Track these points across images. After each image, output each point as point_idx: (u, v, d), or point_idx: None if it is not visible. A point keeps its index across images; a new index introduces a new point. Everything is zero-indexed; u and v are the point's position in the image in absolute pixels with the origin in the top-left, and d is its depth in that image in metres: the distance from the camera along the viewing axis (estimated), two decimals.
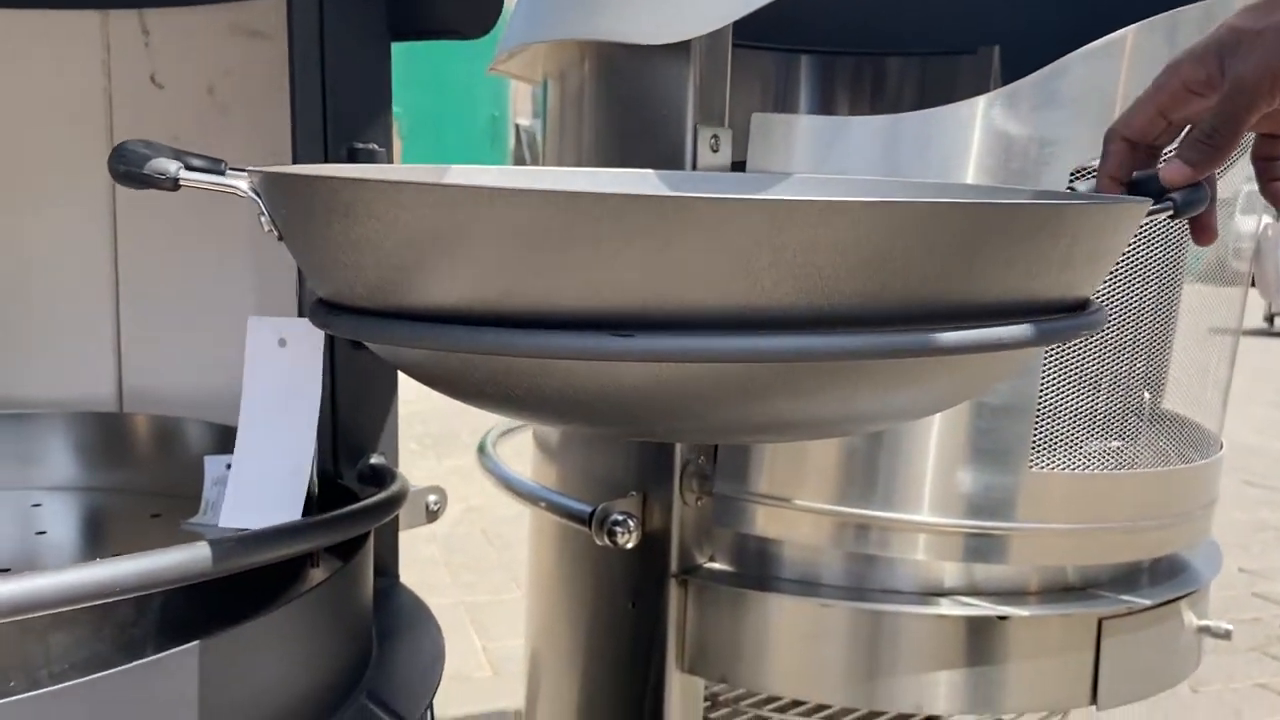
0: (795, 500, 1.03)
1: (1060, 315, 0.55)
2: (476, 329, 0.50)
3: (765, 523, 1.04)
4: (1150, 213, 0.65)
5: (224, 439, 1.02)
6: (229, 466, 0.99)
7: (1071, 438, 1.00)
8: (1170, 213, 0.67)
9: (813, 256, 0.47)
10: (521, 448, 1.35)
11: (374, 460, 0.99)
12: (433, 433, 4.20)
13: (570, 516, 1.07)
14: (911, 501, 1.01)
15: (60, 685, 0.56)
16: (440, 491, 1.08)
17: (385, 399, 0.99)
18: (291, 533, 0.69)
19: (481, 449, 1.29)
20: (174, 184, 0.61)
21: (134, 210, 1.10)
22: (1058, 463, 0.99)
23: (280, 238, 0.62)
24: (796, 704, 1.21)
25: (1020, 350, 0.55)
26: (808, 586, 1.08)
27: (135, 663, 0.59)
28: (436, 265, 0.51)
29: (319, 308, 0.62)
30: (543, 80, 1.31)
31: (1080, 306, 0.59)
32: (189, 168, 0.62)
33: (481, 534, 3.09)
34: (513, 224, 0.48)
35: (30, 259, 1.10)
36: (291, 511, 0.77)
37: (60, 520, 1.00)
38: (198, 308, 1.11)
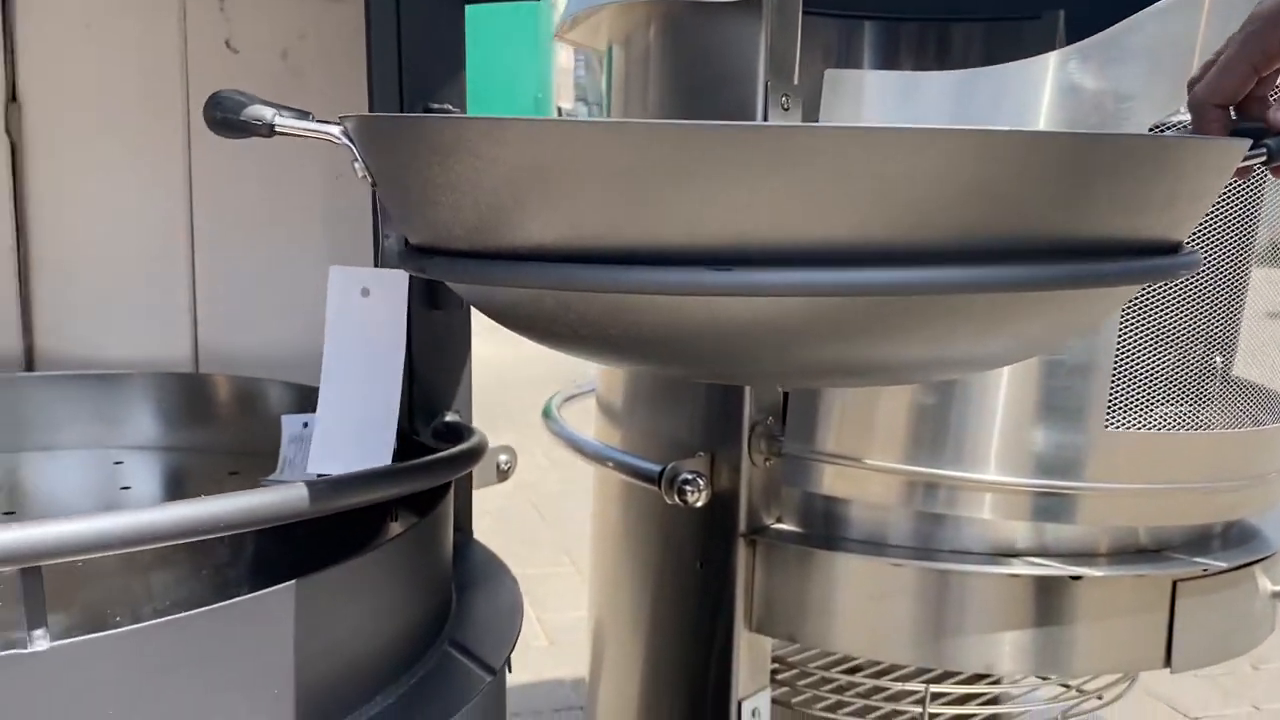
0: (864, 459, 1.03)
1: (1159, 256, 0.55)
2: (576, 266, 0.51)
3: (834, 482, 1.04)
4: (1246, 158, 0.64)
5: (300, 398, 1.04)
6: (305, 425, 1.01)
7: (1147, 398, 0.99)
8: (1263, 159, 0.66)
9: (913, 188, 0.47)
10: (584, 413, 1.36)
11: (449, 418, 1.01)
12: (481, 406, 4.23)
13: (639, 476, 1.08)
14: (981, 460, 1.01)
15: (170, 617, 0.58)
16: (511, 451, 1.09)
17: (459, 358, 1.01)
18: (385, 476, 0.70)
19: (547, 413, 1.30)
20: (270, 130, 0.62)
21: (208, 173, 1.12)
22: (1133, 422, 0.98)
23: (373, 184, 0.63)
24: (862, 666, 1.21)
25: (1117, 290, 0.55)
26: (875, 546, 1.08)
27: (238, 599, 0.61)
28: (535, 204, 0.51)
29: (412, 253, 0.63)
30: (606, 48, 1.31)
31: (1174, 250, 0.59)
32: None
33: (533, 508, 3.11)
34: (615, 159, 0.48)
35: (107, 222, 1.12)
36: (380, 460, 0.78)
37: (142, 477, 1.03)
38: (271, 269, 1.13)
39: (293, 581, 0.63)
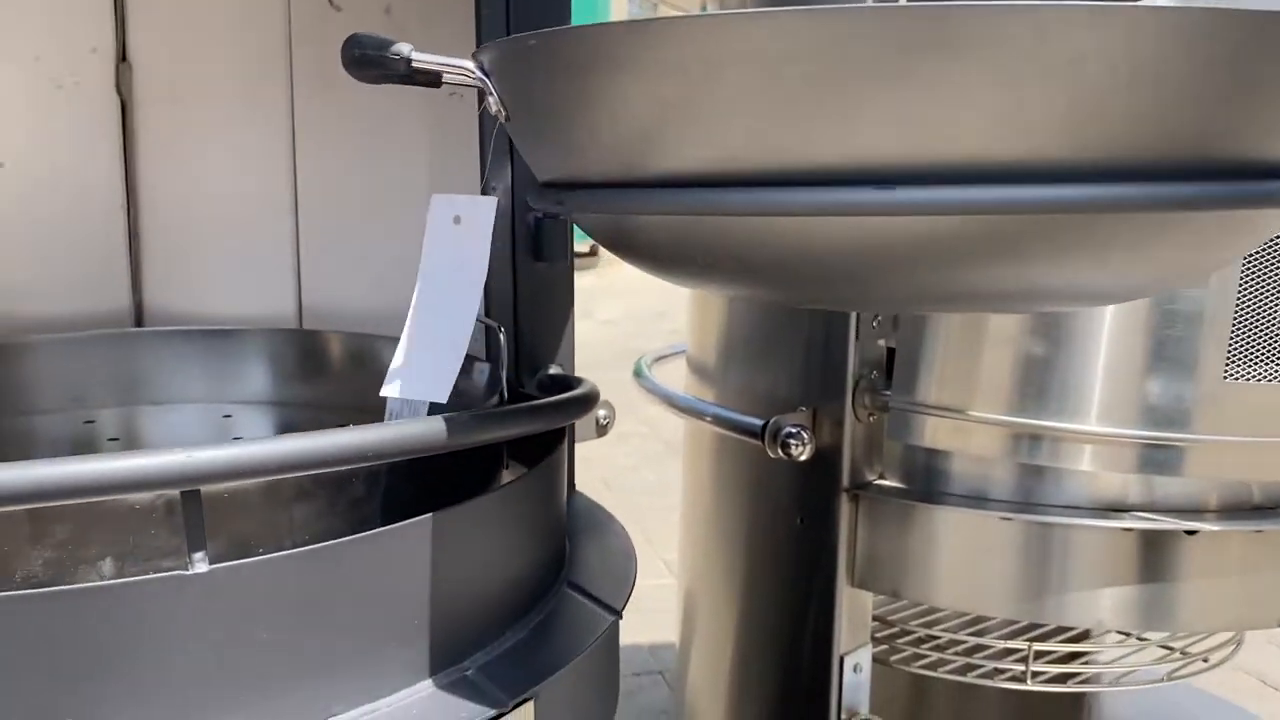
0: (968, 411, 1.02)
1: None
2: (736, 191, 0.51)
3: (937, 434, 1.03)
4: None
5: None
6: None
7: (1270, 349, 0.97)
8: None
9: (1083, 71, 0.45)
10: (672, 373, 1.36)
11: (552, 371, 1.01)
12: None
13: (740, 431, 1.08)
14: (1088, 411, 0.99)
15: (321, 544, 0.59)
16: (610, 407, 1.09)
17: (562, 311, 1.01)
18: (519, 414, 0.71)
19: (638, 373, 1.30)
20: (407, 65, 0.63)
21: (312, 132, 1.13)
22: (1253, 374, 0.96)
23: (507, 118, 0.63)
24: (965, 624, 1.20)
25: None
26: (978, 501, 1.07)
27: (381, 529, 0.62)
28: (689, 120, 0.51)
29: (547, 190, 0.63)
30: None
31: None
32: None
33: (602, 482, 3.13)
34: (775, 55, 0.47)
35: (213, 180, 1.14)
36: (439, 394, 0.77)
37: (251, 431, 1.05)
38: (373, 226, 1.14)
39: (430, 515, 0.64)
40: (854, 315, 1.03)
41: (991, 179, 0.48)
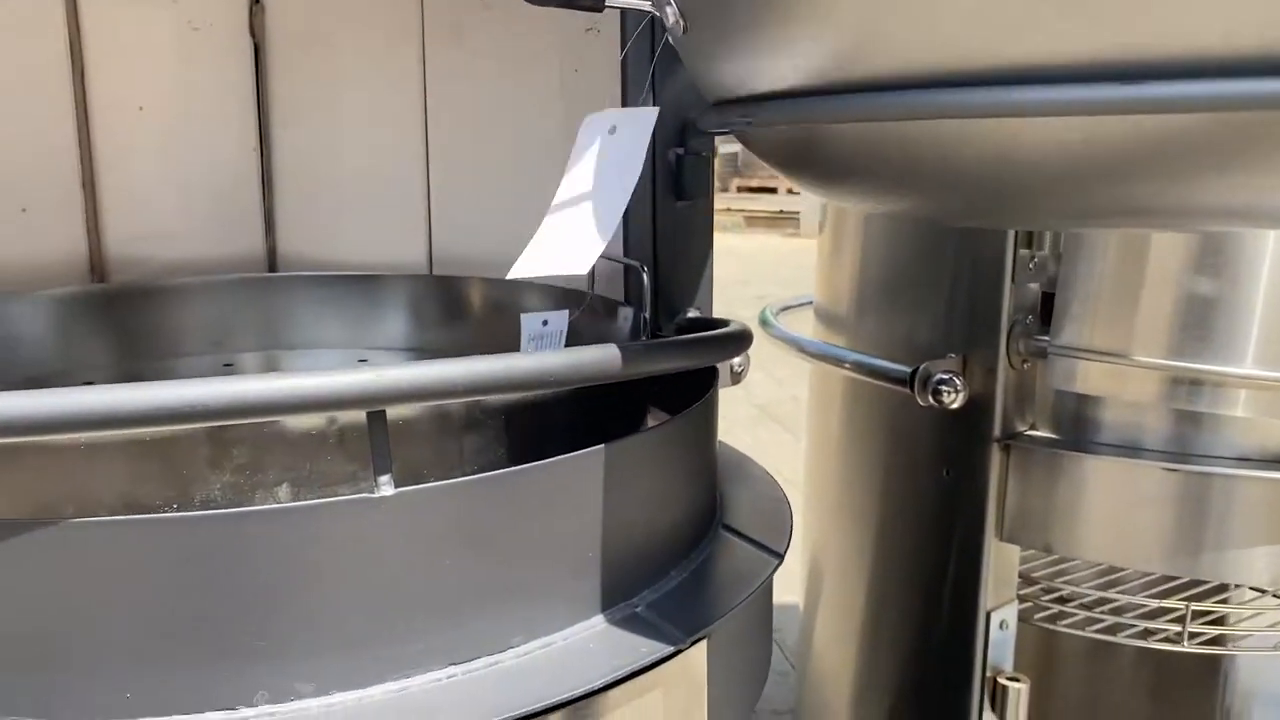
0: (1126, 354, 0.97)
1: None
2: (964, 90, 0.47)
3: (1098, 380, 0.98)
4: None
5: (538, 298, 1.04)
6: (545, 323, 1.01)
7: None
8: None
9: None
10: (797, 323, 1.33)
11: (691, 314, 0.99)
12: None
13: (885, 378, 1.04)
14: (1253, 355, 0.94)
15: (501, 471, 0.57)
16: (746, 355, 1.06)
17: (702, 251, 0.98)
18: (692, 345, 0.69)
19: (764, 322, 1.27)
20: None
21: (443, 78, 1.12)
22: None
23: (685, 30, 0.60)
24: (1111, 583, 1.15)
25: None
26: (1132, 451, 1.02)
27: (557, 458, 0.60)
28: (908, 17, 0.48)
29: (726, 108, 0.60)
30: None
31: None
32: None
33: None
34: None
35: (345, 125, 1.13)
36: (587, 259, 0.74)
37: None
38: (502, 172, 1.12)
39: (603, 445, 0.62)
40: (1009, 257, 0.98)
41: (1235, 74, 0.44)
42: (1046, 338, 0.99)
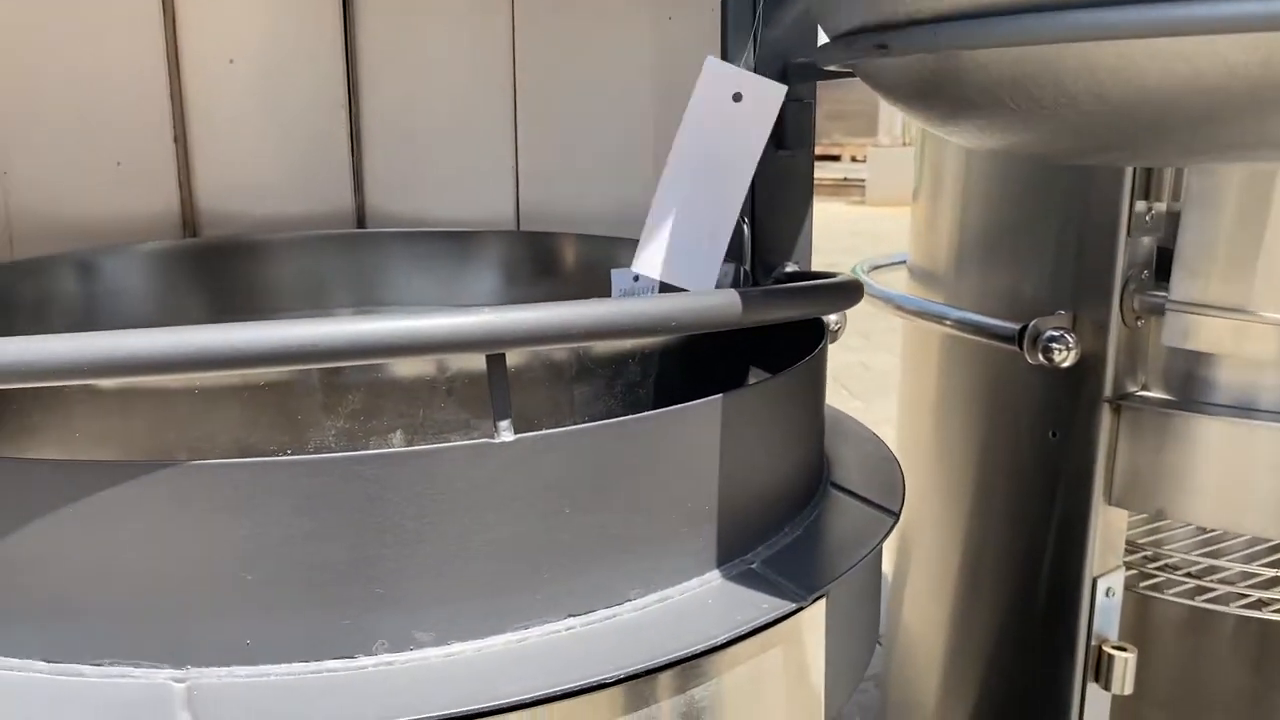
0: (1247, 310, 0.92)
1: None
2: (1131, 7, 0.44)
3: (1218, 338, 0.94)
4: None
5: (629, 254, 1.01)
6: (636, 279, 0.98)
7: None
8: None
9: None
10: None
11: (790, 268, 0.96)
12: None
13: (990, 335, 1.00)
14: None
15: (622, 418, 0.55)
16: (843, 314, 1.03)
17: (802, 203, 0.95)
18: (808, 293, 0.66)
19: None
20: None
21: (531, 32, 1.09)
22: None
23: None
24: (1211, 551, 1.11)
25: None
26: (1249, 412, 0.97)
27: (676, 406, 0.58)
28: None
29: (857, 38, 0.57)
30: None
31: None
32: None
33: None
34: None
35: (433, 80, 1.11)
36: (707, 281, 0.73)
37: None
38: (591, 127, 1.10)
39: (720, 395, 0.60)
40: (1125, 210, 0.94)
41: None
42: (1162, 293, 0.95)
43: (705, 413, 0.59)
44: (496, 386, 0.53)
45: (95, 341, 0.47)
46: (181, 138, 1.04)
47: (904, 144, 10.12)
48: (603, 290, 0.96)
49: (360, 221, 1.12)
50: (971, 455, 1.16)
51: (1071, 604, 1.05)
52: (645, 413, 0.56)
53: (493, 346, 0.52)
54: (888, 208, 8.29)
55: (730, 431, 0.61)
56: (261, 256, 1.03)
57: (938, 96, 0.58)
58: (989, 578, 1.16)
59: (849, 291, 0.70)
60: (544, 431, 0.53)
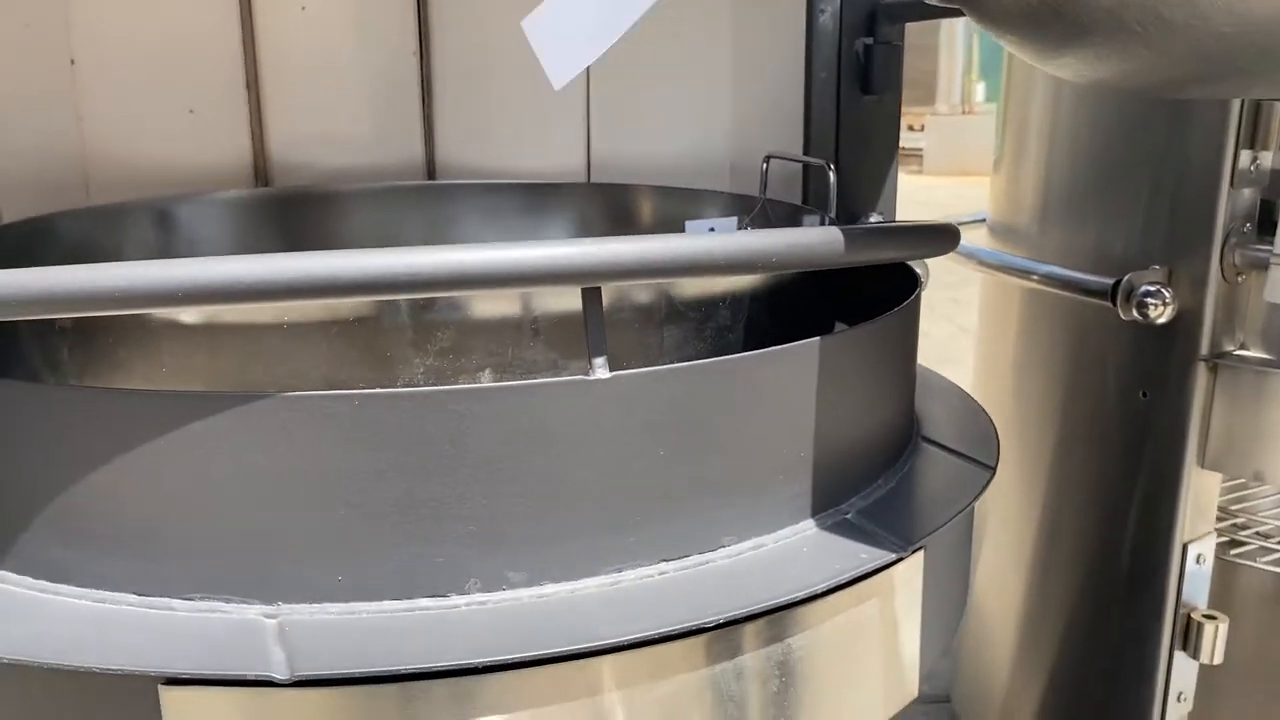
0: None
1: None
2: None
3: None
4: None
5: (705, 205, 0.99)
6: (711, 229, 0.96)
7: None
8: None
9: None
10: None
11: (874, 218, 0.93)
12: None
13: (1081, 291, 0.97)
14: None
15: (719, 358, 0.53)
16: (926, 268, 1.00)
17: (888, 154, 0.92)
18: (911, 233, 0.64)
19: None
20: None
21: None
22: None
23: None
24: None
25: None
26: None
27: (776, 347, 0.56)
28: None
29: None
30: None
31: None
32: None
33: None
34: None
35: (504, 30, 1.09)
36: (600, 45, 0.67)
37: None
38: (662, 79, 1.07)
39: (818, 338, 0.58)
40: (1228, 160, 0.89)
41: None
42: (1266, 248, 0.91)
43: (804, 355, 0.57)
44: (592, 322, 0.51)
45: (195, 268, 0.46)
46: (254, 85, 1.03)
47: (963, 112, 9.94)
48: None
49: (430, 173, 1.11)
50: (1052, 416, 1.12)
51: (1159, 570, 1.02)
52: (741, 354, 0.54)
53: (590, 279, 0.50)
54: (947, 177, 8.15)
55: (827, 376, 0.59)
56: (333, 207, 1.02)
57: (1055, 22, 0.55)
58: (1067, 543, 1.13)
59: (947, 235, 0.67)
60: (638, 370, 0.51)
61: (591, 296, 0.51)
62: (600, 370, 0.51)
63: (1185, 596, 0.99)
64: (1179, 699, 1.02)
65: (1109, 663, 1.08)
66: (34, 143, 0.96)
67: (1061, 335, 1.09)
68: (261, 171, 1.05)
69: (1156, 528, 1.01)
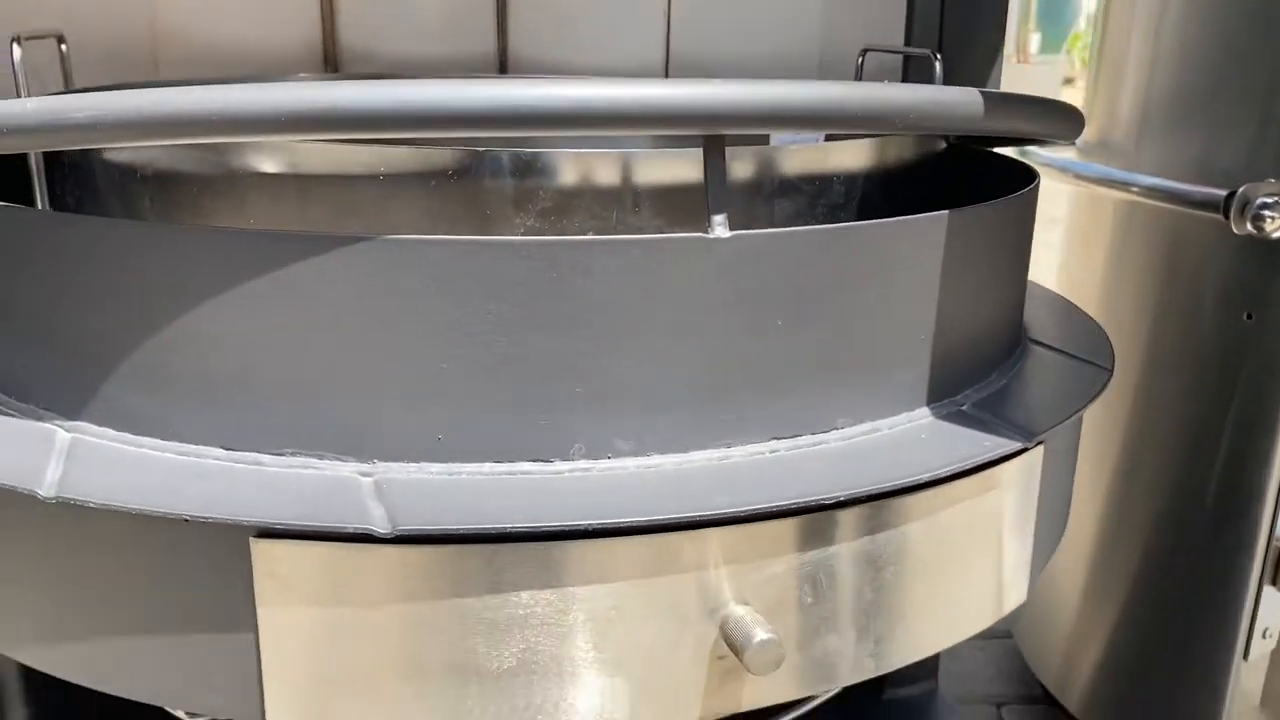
0: None
1: None
2: None
3: None
4: None
5: None
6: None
7: None
8: None
9: None
10: None
11: None
12: None
13: (1189, 203, 0.92)
14: None
15: (841, 225, 0.50)
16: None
17: (993, 46, 0.87)
18: (1049, 105, 0.60)
19: (1024, 152, 1.15)
20: None
21: None
22: None
23: None
24: None
25: None
26: None
27: (900, 218, 0.52)
28: None
29: None
30: None
31: None
32: None
33: None
34: None
35: None
36: None
37: None
38: None
39: (946, 211, 0.54)
40: None
41: None
42: None
43: (930, 228, 0.53)
44: (713, 175, 0.47)
45: (297, 92, 0.42)
46: None
47: (1017, 61, 9.73)
48: None
49: (502, 67, 1.07)
50: (1140, 335, 1.07)
51: (1251, 502, 0.97)
52: (867, 222, 0.50)
53: (713, 125, 0.46)
54: None
55: (953, 254, 0.55)
56: None
57: None
58: (1147, 473, 1.09)
59: (1076, 115, 0.63)
60: (760, 231, 0.48)
61: (714, 145, 0.47)
62: (719, 229, 0.47)
63: (1279, 530, 0.95)
64: (1264, 635, 0.98)
65: (1188, 598, 1.04)
66: (106, 14, 0.93)
67: (1157, 250, 1.03)
68: (331, 57, 1.01)
69: (1250, 458, 0.96)
